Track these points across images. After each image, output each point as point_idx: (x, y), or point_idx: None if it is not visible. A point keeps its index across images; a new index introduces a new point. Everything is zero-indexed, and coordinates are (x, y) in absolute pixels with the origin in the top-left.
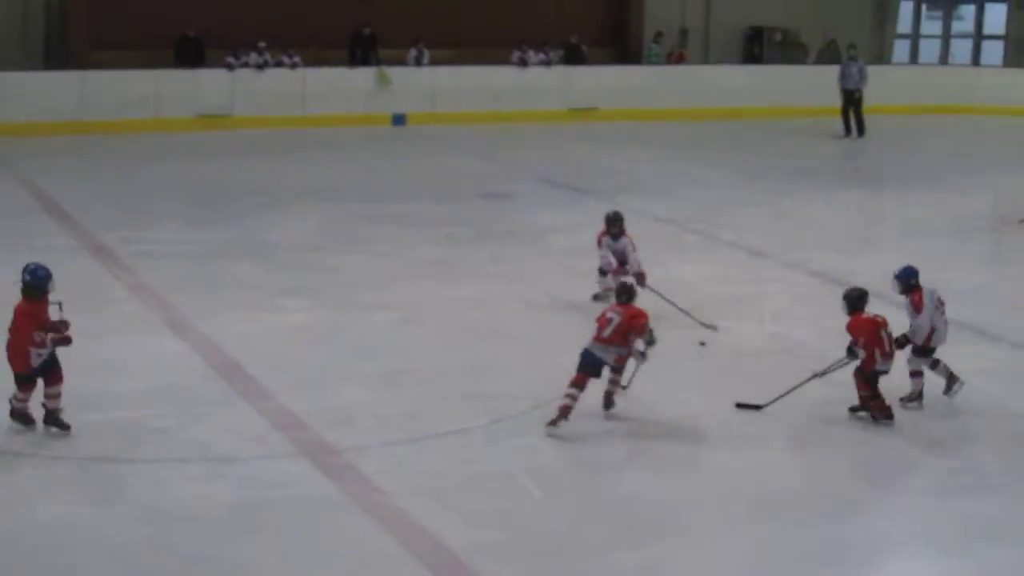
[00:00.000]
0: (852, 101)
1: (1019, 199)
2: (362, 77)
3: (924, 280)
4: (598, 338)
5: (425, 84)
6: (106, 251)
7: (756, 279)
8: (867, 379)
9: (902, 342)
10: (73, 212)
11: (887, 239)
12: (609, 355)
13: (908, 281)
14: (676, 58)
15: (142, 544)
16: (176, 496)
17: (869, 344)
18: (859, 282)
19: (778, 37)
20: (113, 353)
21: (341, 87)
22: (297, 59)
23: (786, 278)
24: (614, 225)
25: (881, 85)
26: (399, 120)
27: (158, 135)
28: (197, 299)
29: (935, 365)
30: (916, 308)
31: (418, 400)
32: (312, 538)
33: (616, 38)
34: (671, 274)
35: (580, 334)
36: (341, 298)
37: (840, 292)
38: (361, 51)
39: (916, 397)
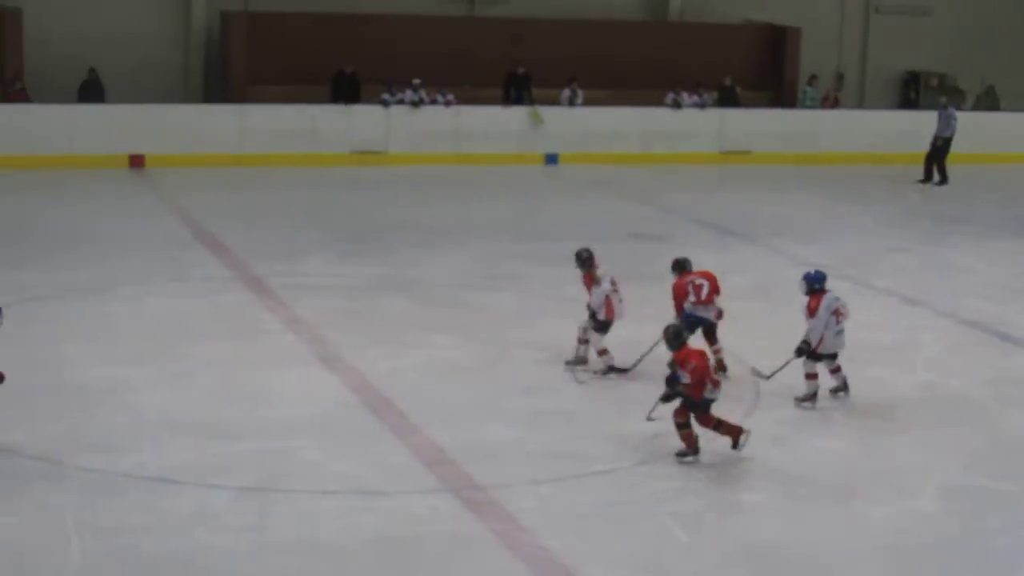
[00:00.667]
0: (936, 148)
1: None
2: (515, 116)
3: None
4: (699, 301)
5: (578, 124)
6: (260, 283)
7: (909, 327)
8: (690, 407)
9: (803, 349)
10: (229, 244)
11: None
12: (710, 312)
13: (812, 285)
14: (831, 102)
15: (289, 574)
16: (323, 528)
17: (700, 372)
18: (1016, 333)
19: (934, 82)
20: (265, 384)
21: (494, 126)
22: (451, 97)
23: (940, 327)
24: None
25: None
26: (551, 159)
27: (313, 169)
28: (348, 333)
29: (836, 371)
30: (810, 312)
31: (565, 439)
32: (456, 575)
33: (771, 81)
34: None
35: (727, 376)
36: (490, 335)
37: (998, 341)
38: (515, 90)
39: (810, 398)
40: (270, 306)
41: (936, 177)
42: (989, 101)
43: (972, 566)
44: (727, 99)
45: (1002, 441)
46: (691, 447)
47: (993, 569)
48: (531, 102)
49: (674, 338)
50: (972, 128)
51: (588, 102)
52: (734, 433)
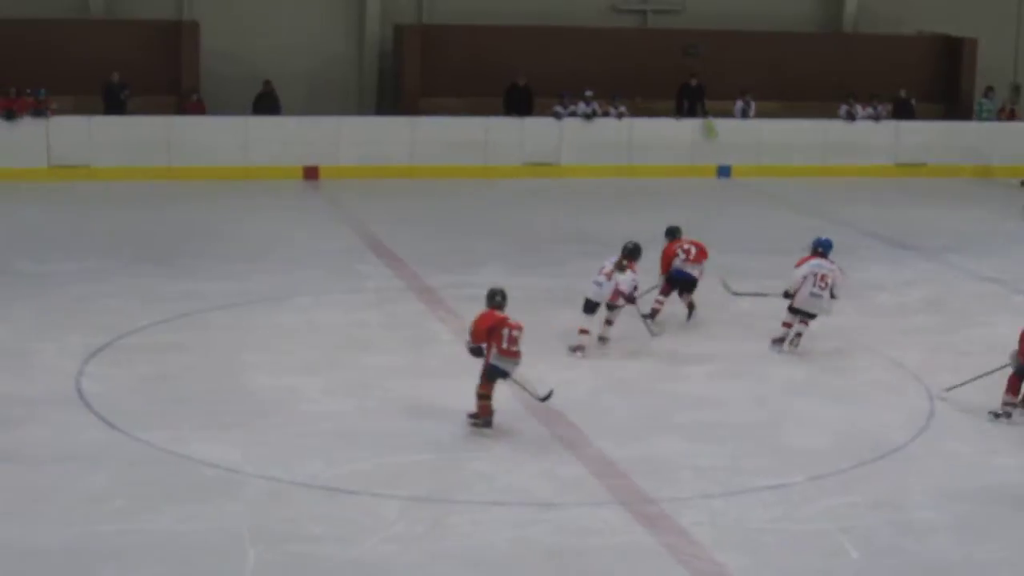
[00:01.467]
0: None
1: None
2: (688, 128)
3: None
4: (687, 260)
5: (751, 136)
6: (432, 294)
7: None
8: (486, 373)
9: (787, 292)
10: (402, 255)
11: None
12: (695, 271)
13: (815, 248)
14: (1007, 114)
15: None
16: (494, 539)
17: (476, 335)
18: None
19: None
20: (437, 395)
21: (667, 138)
22: (623, 109)
23: None
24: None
25: None
26: (724, 172)
27: (485, 181)
28: (520, 345)
29: (802, 322)
30: (797, 264)
31: (736, 453)
32: None
33: (946, 93)
34: (996, 335)
35: (901, 392)
36: (661, 348)
37: None
38: (688, 102)
39: (778, 342)
40: (442, 316)
41: None
42: None
43: None
44: (902, 111)
45: None
46: (484, 415)
47: None
48: (704, 114)
49: (490, 299)
50: None
51: (761, 114)
52: (482, 413)
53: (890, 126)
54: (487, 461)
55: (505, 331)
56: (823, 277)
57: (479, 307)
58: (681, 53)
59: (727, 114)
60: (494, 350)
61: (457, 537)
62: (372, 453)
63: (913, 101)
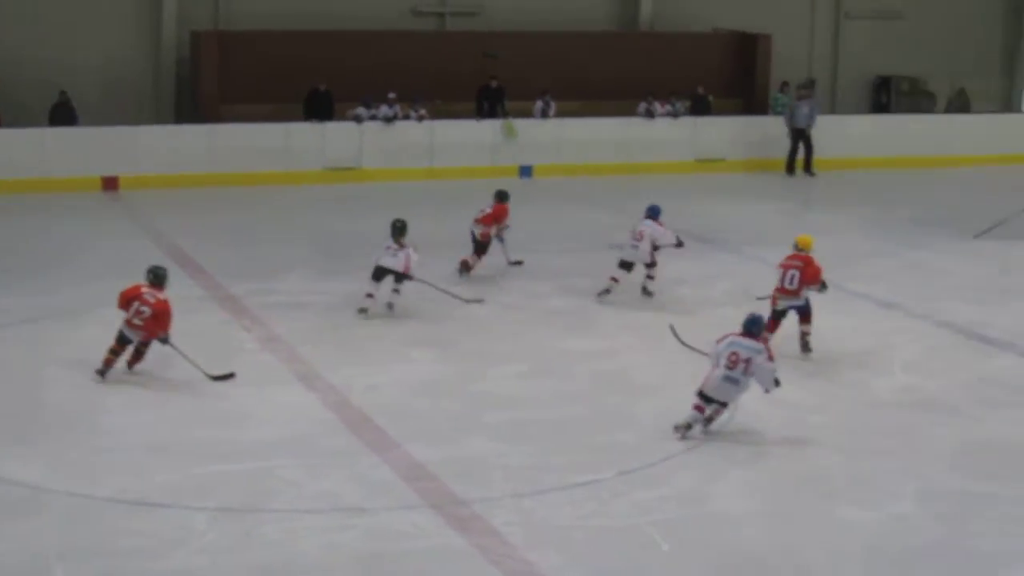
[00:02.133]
0: (799, 140)
1: None
2: (489, 129)
3: None
4: (476, 219)
5: (551, 136)
6: (236, 302)
7: (886, 331)
8: (117, 334)
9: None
10: (204, 264)
11: (1021, 290)
12: (477, 229)
13: (646, 212)
14: None
15: None
16: (305, 546)
17: (127, 305)
18: (993, 334)
19: (905, 86)
20: (242, 404)
21: (468, 139)
22: (423, 111)
23: (917, 329)
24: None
25: (1011, 135)
26: (526, 172)
27: (286, 188)
28: (325, 350)
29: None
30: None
31: (546, 452)
32: None
33: (743, 88)
34: (797, 325)
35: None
36: (468, 349)
37: (975, 343)
38: (488, 103)
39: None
40: (247, 325)
41: (802, 171)
42: (960, 104)
43: (956, 569)
44: (699, 108)
45: (982, 443)
46: (104, 365)
47: (977, 572)
48: (505, 115)
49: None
50: (944, 130)
51: (561, 113)
52: (104, 363)
53: (688, 122)
54: (296, 469)
55: (135, 304)
56: (640, 233)
57: (284, 314)
58: (480, 55)
59: (527, 115)
60: (125, 317)
61: (268, 546)
62: (180, 464)
63: (711, 97)
